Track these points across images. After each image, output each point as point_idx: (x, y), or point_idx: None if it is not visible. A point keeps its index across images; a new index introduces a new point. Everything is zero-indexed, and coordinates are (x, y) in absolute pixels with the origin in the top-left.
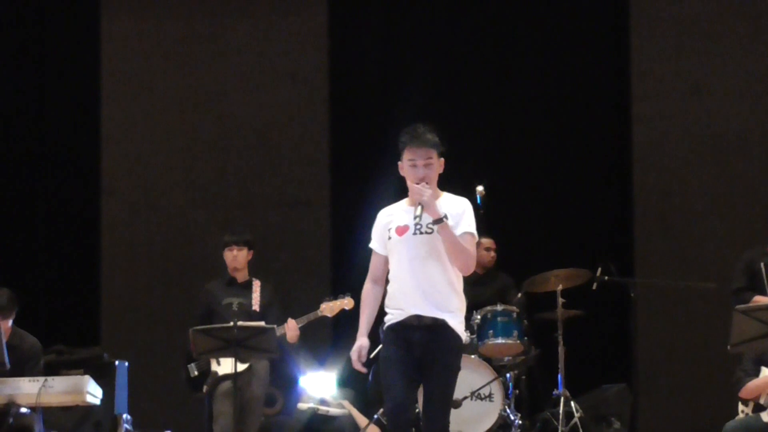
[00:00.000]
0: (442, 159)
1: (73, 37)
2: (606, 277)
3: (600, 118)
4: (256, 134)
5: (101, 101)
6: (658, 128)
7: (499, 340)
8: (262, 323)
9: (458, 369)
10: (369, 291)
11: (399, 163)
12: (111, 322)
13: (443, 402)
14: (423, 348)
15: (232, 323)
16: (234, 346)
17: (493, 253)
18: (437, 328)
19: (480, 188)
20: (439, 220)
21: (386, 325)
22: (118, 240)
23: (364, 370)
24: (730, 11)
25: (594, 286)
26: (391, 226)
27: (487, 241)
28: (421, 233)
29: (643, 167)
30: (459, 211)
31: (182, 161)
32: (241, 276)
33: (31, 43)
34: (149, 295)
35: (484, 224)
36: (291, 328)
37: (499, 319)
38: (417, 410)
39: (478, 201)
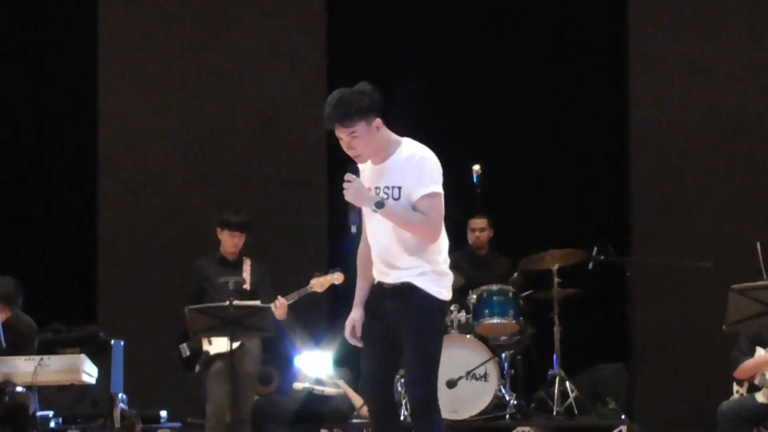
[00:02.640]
0: (377, 120)
1: (70, 16)
2: (602, 257)
3: (597, 98)
4: (254, 115)
5: (98, 81)
6: (656, 108)
7: (495, 320)
8: (258, 302)
9: (436, 330)
10: (361, 252)
11: None
12: (107, 301)
13: (421, 366)
14: (394, 315)
15: (228, 302)
16: (230, 325)
17: (478, 233)
18: (404, 291)
19: (476, 167)
20: (374, 210)
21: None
22: (115, 219)
23: (360, 344)
24: None
25: (590, 266)
26: (370, 186)
27: (476, 222)
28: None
29: (641, 147)
30: (414, 171)
31: (180, 141)
32: (233, 255)
33: (28, 22)
34: (146, 275)
35: (480, 203)
36: (280, 306)
37: (494, 298)
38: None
39: (475, 180)
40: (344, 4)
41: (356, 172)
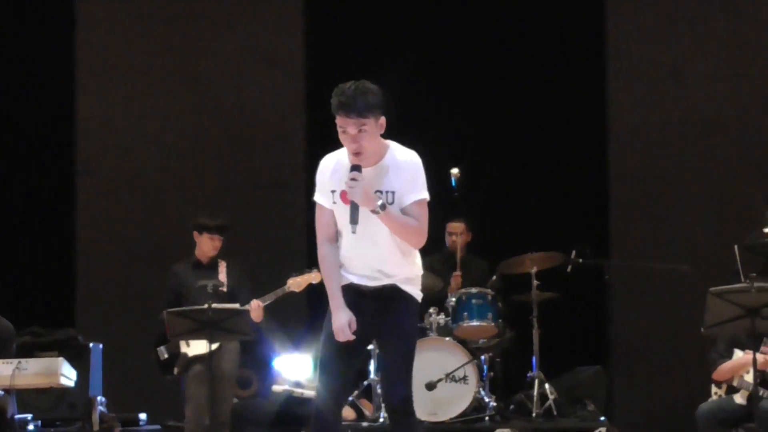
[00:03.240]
0: (382, 118)
1: (48, 18)
2: (581, 260)
3: (576, 101)
4: (233, 117)
5: (76, 83)
6: (634, 111)
7: (474, 323)
8: (237, 305)
9: (416, 332)
10: (328, 255)
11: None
12: (86, 305)
13: (405, 368)
14: (376, 316)
15: (206, 305)
16: (209, 328)
17: (454, 237)
18: (387, 293)
19: (455, 171)
20: (376, 212)
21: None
22: (93, 222)
23: (352, 337)
24: None
25: (568, 269)
26: (335, 188)
27: (453, 226)
28: None
29: (619, 150)
30: (407, 176)
31: (158, 143)
32: (209, 258)
33: (5, 24)
34: (124, 278)
35: (459, 207)
36: (254, 308)
37: (473, 301)
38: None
39: (453, 183)
40: (322, 7)
41: (360, 171)
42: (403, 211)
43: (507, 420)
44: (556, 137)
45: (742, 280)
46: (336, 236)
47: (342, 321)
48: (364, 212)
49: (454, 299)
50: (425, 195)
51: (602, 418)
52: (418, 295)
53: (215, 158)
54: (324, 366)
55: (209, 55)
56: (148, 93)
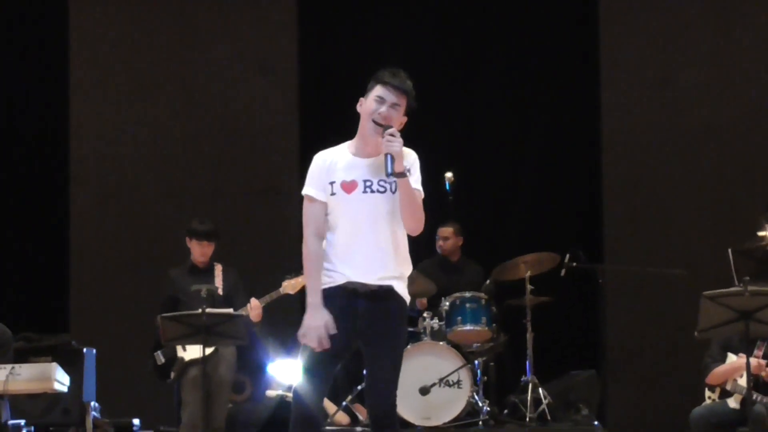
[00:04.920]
0: (405, 117)
1: (42, 27)
2: (574, 264)
3: (569, 107)
4: (226, 124)
5: (70, 91)
6: (627, 117)
7: (468, 327)
8: (231, 310)
9: (405, 337)
10: (316, 251)
11: (361, 99)
12: (79, 310)
13: (395, 371)
14: (368, 318)
15: (200, 310)
16: (203, 333)
17: (441, 242)
18: (383, 294)
19: (449, 175)
20: (403, 174)
21: (324, 287)
22: (86, 228)
23: (327, 344)
24: (698, 2)
25: (562, 273)
26: (335, 179)
27: (442, 231)
28: (372, 191)
29: (612, 156)
30: (409, 164)
31: (151, 151)
32: (203, 263)
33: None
34: (118, 283)
35: (452, 211)
36: (254, 308)
37: (467, 305)
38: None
39: (447, 187)
40: (315, 15)
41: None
42: None
43: (501, 424)
44: (550, 142)
45: (736, 284)
46: (324, 231)
47: (319, 322)
48: (372, 201)
49: (448, 303)
50: (421, 189)
51: (596, 423)
52: (408, 298)
53: (208, 165)
54: (312, 368)
55: (202, 63)
56: (141, 101)
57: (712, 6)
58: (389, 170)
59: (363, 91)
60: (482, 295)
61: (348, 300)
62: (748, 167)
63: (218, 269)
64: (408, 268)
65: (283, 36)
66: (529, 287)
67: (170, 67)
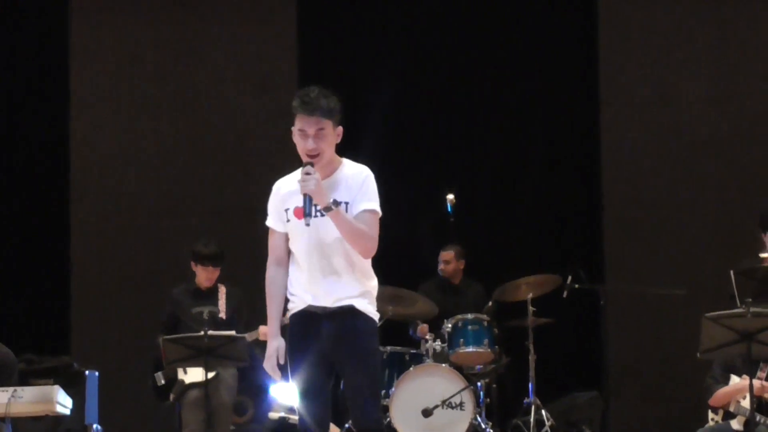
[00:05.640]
0: (340, 128)
1: (43, 42)
2: (576, 285)
3: (568, 125)
4: (226, 141)
5: (71, 107)
6: (627, 134)
7: (470, 349)
8: (233, 332)
9: (378, 352)
10: (274, 277)
11: (292, 128)
12: (81, 331)
13: (373, 390)
14: (333, 339)
15: (202, 332)
16: (204, 355)
17: (443, 266)
18: (345, 314)
19: (451, 196)
20: (329, 208)
21: (290, 312)
22: (88, 247)
23: (279, 375)
24: (697, 17)
25: (564, 294)
26: (288, 206)
27: (443, 255)
28: (322, 215)
29: (612, 174)
30: (359, 187)
31: (152, 168)
32: (209, 286)
33: (0, 50)
34: (119, 304)
35: (454, 232)
36: (263, 333)
37: (469, 327)
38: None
39: (449, 209)
40: (315, 31)
41: (313, 167)
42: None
43: None
44: (550, 162)
45: (738, 304)
46: (286, 259)
47: (270, 351)
48: (318, 226)
49: (450, 325)
50: (376, 207)
51: None
52: (375, 315)
53: (209, 182)
54: (307, 390)
55: (203, 80)
56: (142, 116)
57: (711, 20)
58: (307, 211)
59: (363, 110)
60: (484, 316)
61: (312, 322)
62: (750, 184)
63: (222, 291)
64: (371, 283)
65: (284, 53)
66: (531, 308)
67: (171, 83)
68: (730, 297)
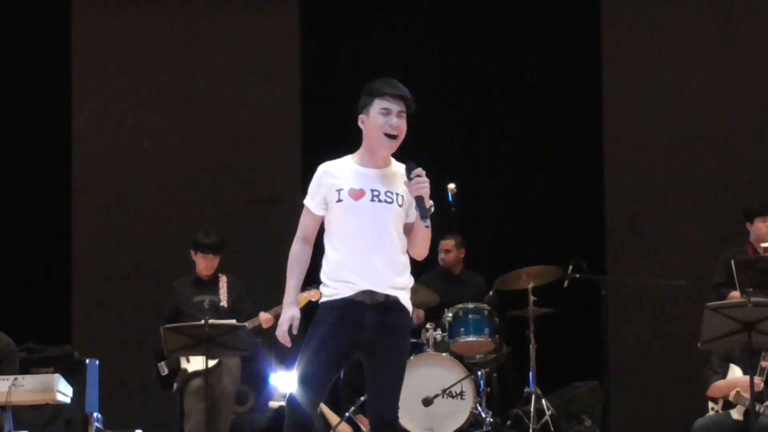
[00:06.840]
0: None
1: (44, 35)
2: (577, 275)
3: (571, 117)
4: (229, 132)
5: (72, 99)
6: (629, 127)
7: (471, 338)
8: (233, 321)
9: (409, 350)
10: (300, 252)
11: (360, 116)
12: (82, 320)
13: (397, 390)
14: (375, 330)
15: (203, 321)
16: (205, 344)
17: (443, 255)
18: (390, 306)
19: (452, 186)
20: (431, 210)
21: (326, 299)
22: (89, 238)
23: (289, 343)
24: (700, 11)
25: (565, 284)
26: (342, 187)
27: (443, 243)
28: (379, 201)
29: (615, 166)
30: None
31: (154, 159)
32: (208, 276)
33: (1, 40)
34: (120, 293)
35: (455, 222)
36: (264, 320)
37: (470, 316)
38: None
39: (450, 198)
40: (318, 23)
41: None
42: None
43: None
44: (551, 153)
45: (739, 295)
46: (313, 239)
47: (286, 316)
48: (378, 215)
49: (450, 314)
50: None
51: None
52: (411, 309)
53: (210, 174)
54: (307, 378)
55: (204, 71)
56: (143, 110)
57: (714, 14)
58: (424, 214)
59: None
60: (485, 306)
61: (353, 312)
62: (752, 176)
63: (223, 281)
64: (411, 280)
65: (286, 44)
66: (531, 298)
67: (172, 76)
68: (712, 287)
